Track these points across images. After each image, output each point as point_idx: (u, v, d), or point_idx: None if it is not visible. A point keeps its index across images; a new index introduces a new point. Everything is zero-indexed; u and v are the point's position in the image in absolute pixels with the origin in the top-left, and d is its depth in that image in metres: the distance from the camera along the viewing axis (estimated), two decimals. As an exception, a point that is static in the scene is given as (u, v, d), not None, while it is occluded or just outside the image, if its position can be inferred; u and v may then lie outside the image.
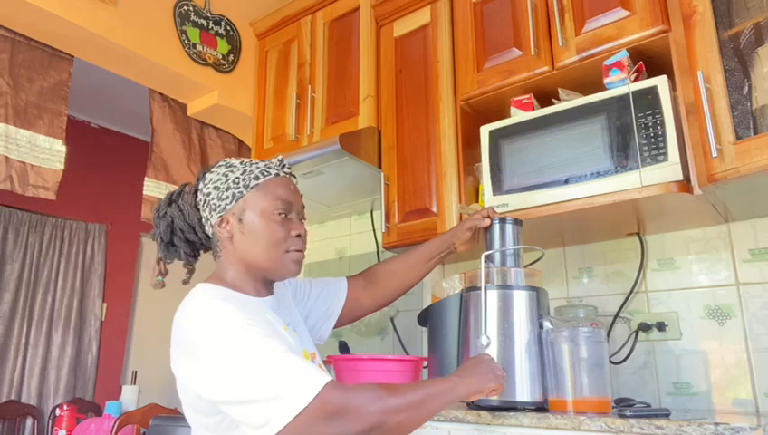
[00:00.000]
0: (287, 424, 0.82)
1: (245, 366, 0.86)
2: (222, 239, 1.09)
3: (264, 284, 1.10)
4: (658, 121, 1.37)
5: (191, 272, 1.19)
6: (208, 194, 1.09)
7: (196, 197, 1.12)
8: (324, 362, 1.72)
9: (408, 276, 1.41)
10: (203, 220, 1.11)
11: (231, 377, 0.87)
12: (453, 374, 1.05)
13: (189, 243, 1.15)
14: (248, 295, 1.06)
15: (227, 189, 1.07)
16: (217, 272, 1.10)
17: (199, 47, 2.40)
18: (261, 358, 0.87)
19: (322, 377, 0.85)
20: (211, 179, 1.10)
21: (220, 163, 1.12)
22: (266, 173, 1.09)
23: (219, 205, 1.07)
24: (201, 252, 1.20)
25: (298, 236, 1.09)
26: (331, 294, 1.32)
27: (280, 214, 1.07)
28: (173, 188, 2.40)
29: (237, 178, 1.07)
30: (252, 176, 1.08)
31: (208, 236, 1.14)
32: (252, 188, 1.07)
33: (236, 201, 1.07)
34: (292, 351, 0.90)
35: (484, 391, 1.06)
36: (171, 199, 1.15)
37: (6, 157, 1.95)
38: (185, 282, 1.18)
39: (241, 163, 1.10)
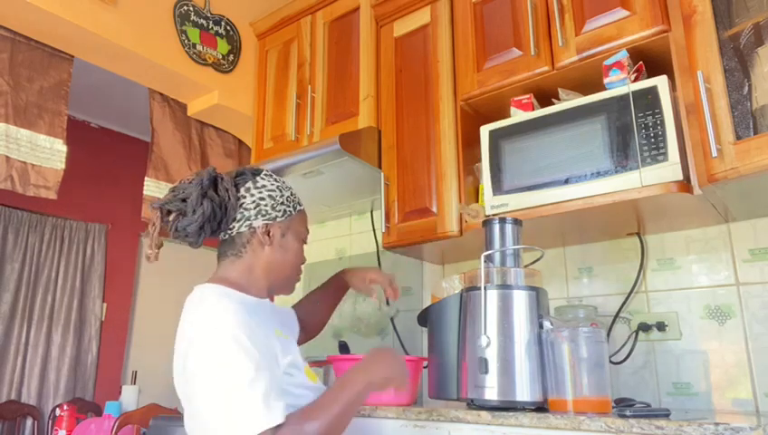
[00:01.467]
0: None
1: (216, 389, 0.93)
2: (254, 243, 1.13)
3: (267, 291, 1.18)
4: (658, 121, 1.37)
5: (160, 246, 1.14)
6: (261, 199, 1.14)
7: (238, 191, 1.14)
8: (325, 362, 1.73)
9: (324, 315, 1.49)
10: (238, 217, 1.12)
11: (204, 393, 0.95)
12: (362, 371, 1.05)
13: (211, 230, 1.14)
14: (252, 296, 1.11)
15: (281, 203, 1.16)
16: (227, 271, 1.13)
17: (199, 47, 2.40)
18: (230, 385, 0.93)
19: (259, 421, 0.89)
20: (264, 186, 1.15)
21: (267, 173, 1.19)
22: (302, 204, 1.24)
23: (270, 213, 1.14)
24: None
25: (303, 263, 1.23)
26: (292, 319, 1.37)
27: (305, 242, 1.22)
28: (173, 188, 2.41)
29: (290, 197, 1.19)
30: (297, 201, 1.22)
31: (224, 231, 1.14)
32: (297, 211, 1.20)
33: (286, 218, 1.16)
34: (265, 385, 0.93)
35: (393, 380, 1.07)
36: (211, 181, 1.13)
37: (7, 157, 1.95)
38: (148, 257, 1.13)
39: (285, 185, 1.21)
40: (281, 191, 1.17)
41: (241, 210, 1.12)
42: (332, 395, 0.99)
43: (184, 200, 1.09)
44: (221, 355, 0.95)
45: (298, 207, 1.20)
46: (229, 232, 1.14)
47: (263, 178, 1.17)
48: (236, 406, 0.91)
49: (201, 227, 1.10)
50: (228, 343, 0.95)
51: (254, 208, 1.13)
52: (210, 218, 1.10)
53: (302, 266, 1.23)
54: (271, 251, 1.14)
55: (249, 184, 1.15)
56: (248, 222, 1.12)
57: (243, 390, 0.92)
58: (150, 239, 1.11)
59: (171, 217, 1.11)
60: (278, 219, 1.15)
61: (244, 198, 1.13)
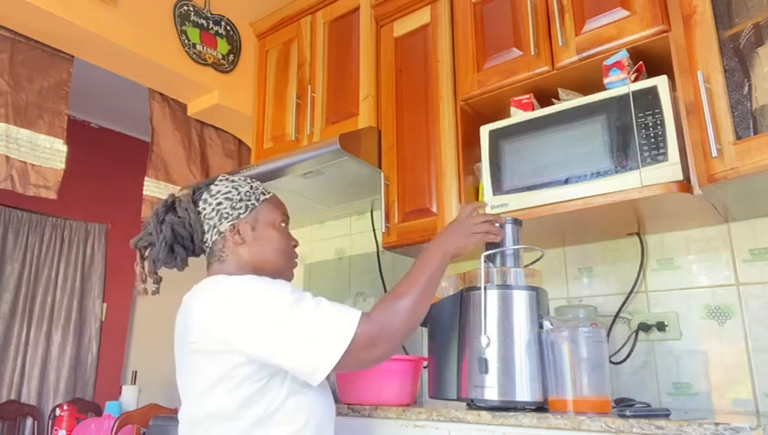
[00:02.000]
0: (335, 365, 0.97)
1: (293, 321, 0.99)
2: (230, 245, 1.17)
3: None
4: (658, 121, 1.37)
5: (159, 281, 1.24)
6: (219, 204, 1.18)
7: (197, 206, 1.19)
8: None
9: None
10: (206, 228, 1.18)
11: (283, 331, 0.98)
12: (436, 244, 1.17)
13: (185, 250, 1.21)
14: None
15: (240, 201, 1.18)
16: (219, 271, 1.16)
17: (199, 47, 2.40)
18: (303, 311, 1.00)
19: (352, 316, 1.00)
20: (219, 191, 1.19)
21: (220, 178, 1.23)
22: (267, 192, 1.25)
23: (232, 214, 1.17)
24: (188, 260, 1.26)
25: (295, 246, 1.25)
26: None
27: (284, 225, 1.23)
28: (173, 188, 2.41)
29: (248, 192, 1.21)
30: (259, 191, 1.23)
31: (200, 246, 1.20)
32: (262, 201, 1.21)
33: (250, 212, 1.18)
34: (321, 300, 1.04)
35: (468, 246, 1.19)
36: (167, 208, 1.21)
37: (7, 157, 1.95)
38: (154, 293, 1.22)
39: (244, 180, 1.23)
40: (237, 190, 1.20)
41: (206, 221, 1.18)
42: (416, 273, 1.10)
43: (150, 233, 1.20)
44: (276, 303, 0.99)
45: (262, 197, 1.22)
46: (205, 245, 1.19)
47: (216, 185, 1.21)
48: (316, 329, 0.98)
49: (171, 250, 1.19)
50: (273, 290, 1.01)
51: (216, 215, 1.17)
52: (178, 239, 1.18)
53: (297, 251, 1.25)
54: (247, 248, 1.17)
55: (205, 195, 1.20)
56: (216, 229, 1.17)
57: (312, 313, 0.99)
58: (139, 278, 1.20)
59: (147, 252, 1.21)
60: (242, 216, 1.18)
61: (204, 209, 1.19)
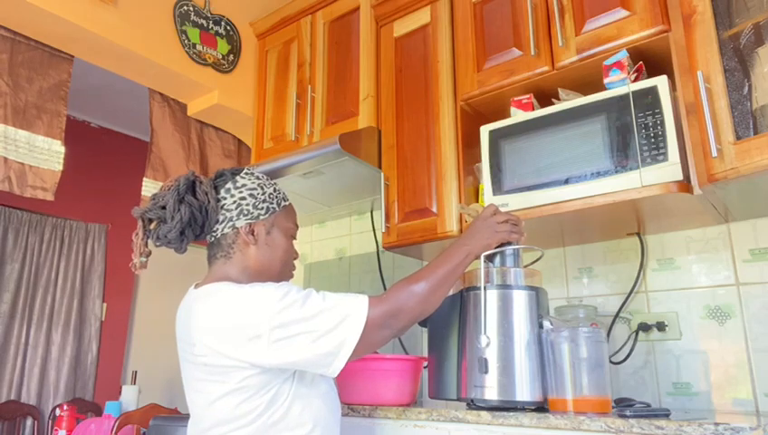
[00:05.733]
0: (351, 354, 0.99)
1: (305, 318, 0.98)
2: (240, 243, 1.14)
3: None
4: (658, 121, 1.37)
5: (148, 255, 1.16)
6: (242, 198, 1.14)
7: (218, 193, 1.14)
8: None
9: None
10: (221, 218, 1.13)
11: (296, 331, 0.98)
12: (461, 241, 1.20)
13: (194, 234, 1.16)
14: None
15: (264, 201, 1.15)
16: (223, 271, 1.13)
17: (199, 47, 2.40)
18: (312, 307, 0.99)
19: (361, 300, 1.02)
20: (245, 185, 1.15)
21: (247, 171, 1.18)
22: (287, 199, 1.23)
23: (253, 212, 1.14)
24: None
25: (295, 258, 1.24)
26: None
27: (293, 237, 1.22)
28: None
29: (272, 194, 1.19)
30: (281, 196, 1.21)
31: (208, 233, 1.15)
32: (282, 207, 1.20)
33: (270, 215, 1.16)
34: (326, 294, 1.04)
35: (492, 245, 1.24)
36: (188, 186, 1.13)
37: (5, 158, 1.95)
38: (142, 266, 1.14)
39: (268, 181, 1.20)
40: (262, 189, 1.17)
41: (223, 212, 1.13)
42: (437, 262, 1.12)
43: (163, 208, 1.11)
44: (282, 306, 0.98)
45: (283, 203, 1.20)
46: (214, 234, 1.15)
47: (242, 178, 1.16)
48: (330, 321, 0.98)
49: (182, 232, 1.11)
50: (277, 294, 1.00)
51: (236, 209, 1.13)
52: (191, 223, 1.11)
53: (296, 263, 1.23)
54: (257, 250, 1.14)
55: (229, 185, 1.15)
56: (231, 223, 1.13)
57: (321, 306, 0.99)
58: (135, 248, 1.13)
59: (152, 226, 1.13)
60: (261, 217, 1.15)
61: (225, 199, 1.14)
